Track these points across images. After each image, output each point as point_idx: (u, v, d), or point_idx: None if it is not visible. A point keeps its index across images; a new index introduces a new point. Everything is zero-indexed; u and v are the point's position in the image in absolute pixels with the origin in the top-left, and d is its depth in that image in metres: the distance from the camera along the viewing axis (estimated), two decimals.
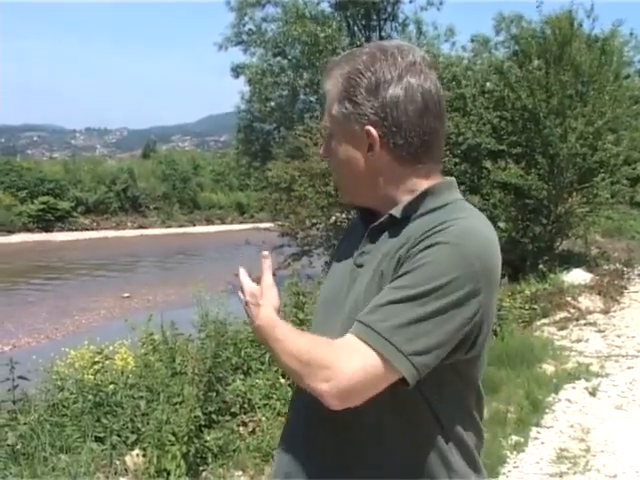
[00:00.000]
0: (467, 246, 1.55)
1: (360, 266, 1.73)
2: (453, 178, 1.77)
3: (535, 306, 11.75)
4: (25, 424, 5.57)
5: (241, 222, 58.49)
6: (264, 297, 1.73)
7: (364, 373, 1.51)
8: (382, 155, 1.67)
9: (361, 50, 1.71)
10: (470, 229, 1.60)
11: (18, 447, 5.28)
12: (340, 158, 1.74)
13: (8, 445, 5.25)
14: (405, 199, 1.69)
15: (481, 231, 1.62)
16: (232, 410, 6.18)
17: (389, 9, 32.29)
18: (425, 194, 1.68)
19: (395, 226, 1.68)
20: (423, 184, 1.70)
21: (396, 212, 1.68)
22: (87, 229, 57.33)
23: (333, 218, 17.01)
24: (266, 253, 1.80)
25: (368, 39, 30.47)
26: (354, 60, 1.68)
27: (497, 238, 1.67)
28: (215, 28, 42.36)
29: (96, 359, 7.23)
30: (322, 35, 28.86)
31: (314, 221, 17.90)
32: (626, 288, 13.65)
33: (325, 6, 32.24)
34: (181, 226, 63.07)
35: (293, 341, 1.61)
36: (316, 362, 1.55)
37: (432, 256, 1.54)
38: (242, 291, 1.76)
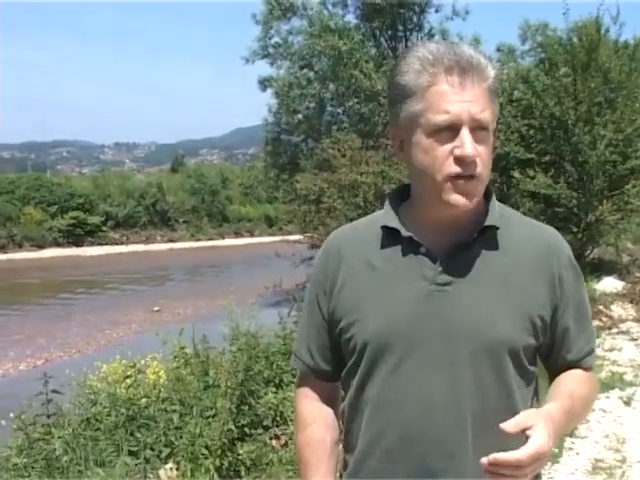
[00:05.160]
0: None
1: (446, 284, 1.61)
2: None
3: None
4: (60, 438, 5.61)
5: (270, 234, 58.64)
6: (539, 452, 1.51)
7: None
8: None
9: (480, 51, 1.67)
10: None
11: (64, 459, 5.32)
12: (489, 156, 1.62)
13: (43, 459, 5.29)
14: (489, 204, 1.67)
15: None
16: (264, 423, 6.18)
17: (415, 19, 32.29)
18: (492, 194, 1.69)
19: (483, 235, 1.62)
20: None
21: (494, 222, 1.64)
22: (117, 243, 57.96)
23: None
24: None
25: (394, 50, 30.54)
26: (491, 61, 1.66)
27: None
28: (243, 40, 42.61)
29: (128, 373, 7.26)
30: (344, 48, 28.84)
31: None
32: None
33: (351, 17, 32.34)
34: (210, 239, 63.51)
35: (574, 411, 1.78)
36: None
37: (580, 286, 1.75)
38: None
